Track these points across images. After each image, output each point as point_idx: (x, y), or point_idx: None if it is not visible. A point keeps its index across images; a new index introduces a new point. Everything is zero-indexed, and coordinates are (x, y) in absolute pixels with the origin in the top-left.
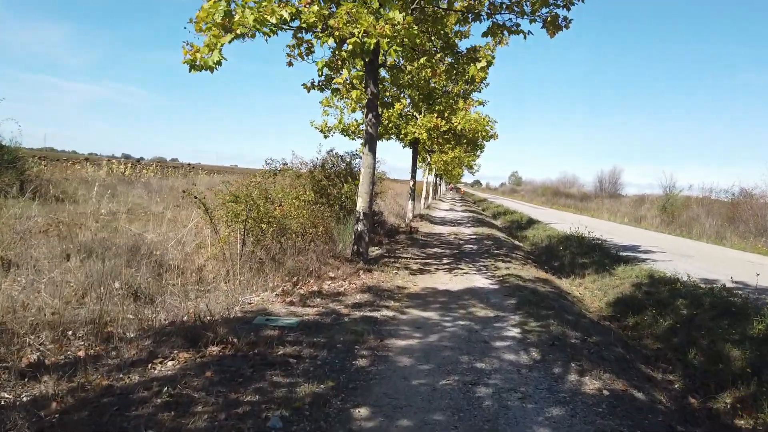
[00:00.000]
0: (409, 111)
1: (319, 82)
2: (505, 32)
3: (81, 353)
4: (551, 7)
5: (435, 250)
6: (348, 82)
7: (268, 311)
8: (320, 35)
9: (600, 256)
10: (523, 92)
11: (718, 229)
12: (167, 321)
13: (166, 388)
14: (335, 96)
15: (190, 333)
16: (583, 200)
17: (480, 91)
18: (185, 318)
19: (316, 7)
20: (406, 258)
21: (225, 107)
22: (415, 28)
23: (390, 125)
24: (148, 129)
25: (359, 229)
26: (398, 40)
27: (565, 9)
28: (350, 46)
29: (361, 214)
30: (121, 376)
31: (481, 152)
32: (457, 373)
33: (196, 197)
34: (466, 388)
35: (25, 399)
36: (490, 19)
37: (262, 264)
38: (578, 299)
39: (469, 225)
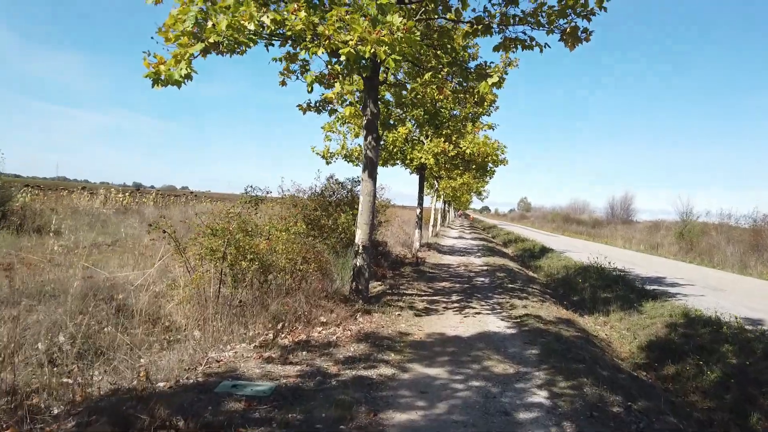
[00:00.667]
0: (415, 136)
1: (315, 103)
2: (519, 46)
3: None
4: (570, 17)
5: (443, 284)
6: (340, 96)
7: (238, 372)
8: (309, 45)
9: (624, 290)
10: (530, 117)
11: (741, 257)
12: (110, 389)
13: None
14: (338, 122)
15: (123, 414)
16: (595, 226)
17: (489, 115)
18: (134, 383)
19: (303, 14)
20: (411, 295)
21: (239, 135)
22: (417, 33)
23: (395, 150)
24: (160, 157)
25: (358, 264)
26: (397, 48)
27: (585, 20)
28: (344, 57)
29: (360, 247)
30: None
31: (491, 178)
32: None
33: (165, 231)
34: None
35: None
36: (502, 34)
37: (243, 308)
38: (606, 342)
39: (479, 254)
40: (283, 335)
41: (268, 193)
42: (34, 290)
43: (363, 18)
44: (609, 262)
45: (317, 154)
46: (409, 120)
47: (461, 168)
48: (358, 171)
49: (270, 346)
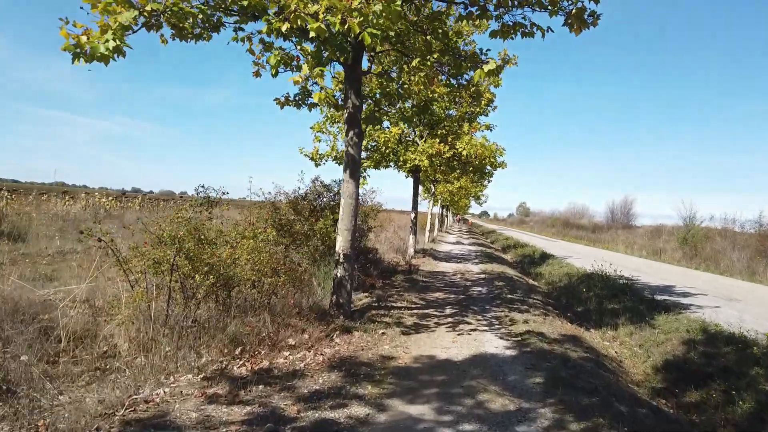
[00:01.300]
0: (409, 138)
1: (294, 96)
2: (518, 33)
3: None
4: None
5: (437, 295)
6: (307, 79)
7: (168, 418)
8: (272, 20)
9: (632, 301)
10: (528, 121)
11: (748, 263)
12: None
13: None
14: (327, 121)
15: None
16: (596, 231)
17: (487, 115)
18: None
19: None
20: (400, 308)
21: (241, 141)
22: (398, 2)
23: (387, 151)
24: (160, 163)
25: (339, 274)
26: (375, 21)
27: (593, 1)
28: (313, 33)
29: (342, 255)
30: None
31: (489, 182)
32: None
33: (101, 239)
34: None
35: None
36: (500, 20)
37: (199, 329)
38: (617, 362)
39: (477, 261)
40: (241, 362)
41: (224, 193)
42: None
43: None
44: (615, 270)
45: (305, 155)
46: (395, 114)
47: (458, 171)
48: None
49: (220, 378)
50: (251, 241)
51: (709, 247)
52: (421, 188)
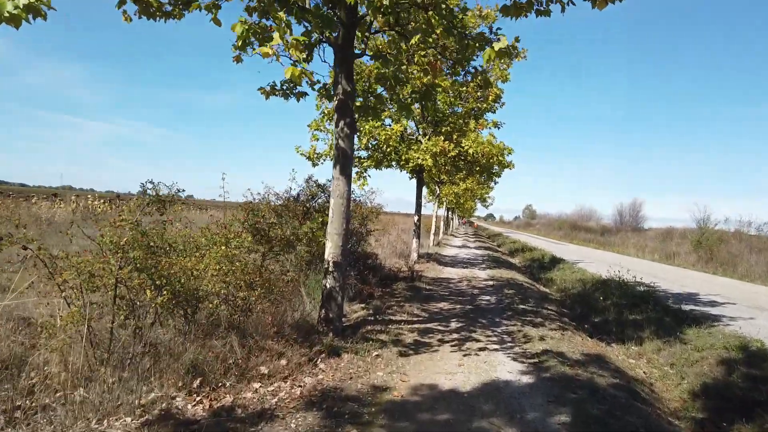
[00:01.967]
0: (412, 137)
1: (281, 84)
2: (532, 11)
3: None
4: None
5: (441, 305)
6: (277, 50)
7: None
8: None
9: (655, 311)
10: (535, 122)
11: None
12: None
13: None
14: (325, 118)
15: None
16: (604, 234)
17: (494, 111)
18: None
19: None
20: (400, 322)
21: (247, 143)
22: None
23: (389, 150)
24: (167, 167)
25: (328, 285)
26: None
27: None
28: None
29: (331, 263)
30: None
31: (496, 183)
32: None
33: (26, 247)
34: None
35: None
36: None
37: (151, 355)
38: (647, 384)
39: (484, 266)
40: (198, 398)
41: (179, 191)
42: None
43: None
44: (635, 277)
45: (302, 155)
46: (393, 99)
47: (464, 171)
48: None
49: (164, 421)
50: (222, 247)
51: (725, 250)
52: (425, 190)
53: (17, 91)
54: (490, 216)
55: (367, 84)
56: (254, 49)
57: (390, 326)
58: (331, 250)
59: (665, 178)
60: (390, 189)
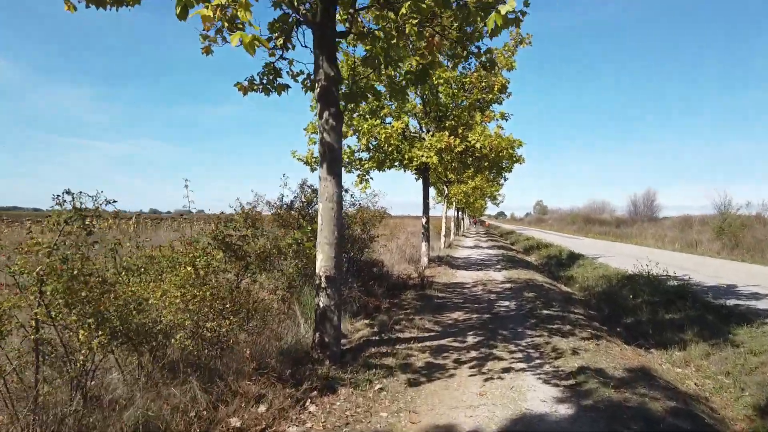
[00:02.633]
0: (415, 134)
1: (260, 77)
2: None
3: None
4: None
5: (456, 315)
6: (220, 9)
7: None
8: None
9: (695, 308)
10: (544, 117)
11: None
12: None
13: None
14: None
15: None
16: (620, 226)
17: (500, 102)
18: None
19: None
20: (409, 340)
21: (253, 155)
22: None
23: (390, 149)
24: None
25: (321, 304)
26: None
27: None
28: None
29: (323, 279)
30: None
31: (505, 179)
32: None
33: None
34: None
35: None
36: None
37: (87, 411)
38: (701, 399)
39: (499, 267)
40: None
41: (109, 202)
42: None
43: None
44: (663, 270)
45: (299, 159)
46: (383, 79)
47: (472, 167)
48: (353, 177)
49: None
50: (188, 268)
51: (750, 235)
52: (433, 191)
53: (25, 115)
54: (501, 214)
55: (353, 71)
56: (197, 11)
57: (398, 346)
58: (322, 262)
59: (675, 166)
60: (398, 192)
